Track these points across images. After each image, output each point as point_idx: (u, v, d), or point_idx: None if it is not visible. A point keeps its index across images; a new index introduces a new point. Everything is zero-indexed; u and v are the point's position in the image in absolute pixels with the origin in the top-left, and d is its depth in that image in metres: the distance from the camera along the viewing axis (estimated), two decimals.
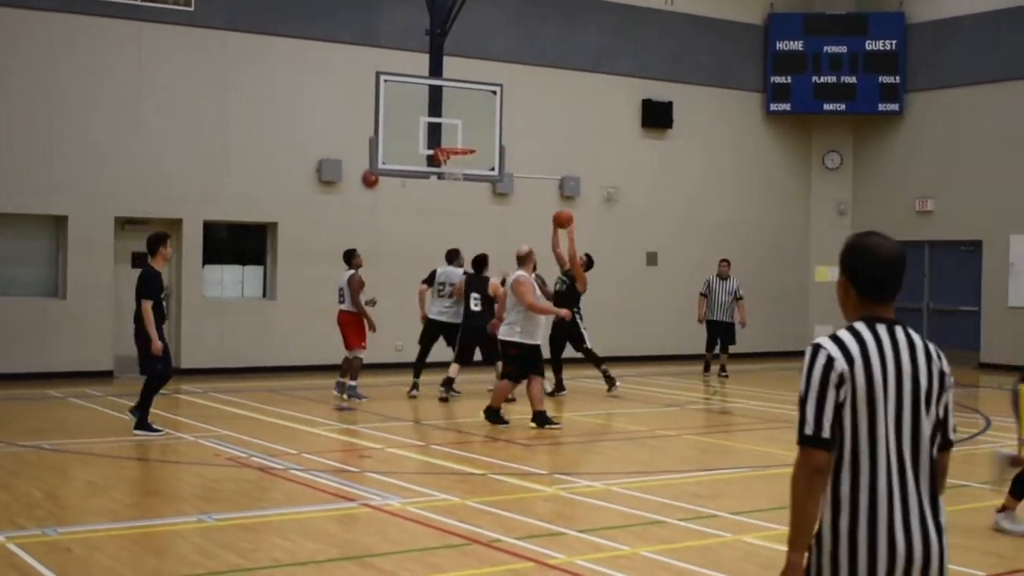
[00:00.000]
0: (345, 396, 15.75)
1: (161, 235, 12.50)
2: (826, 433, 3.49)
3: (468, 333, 15.81)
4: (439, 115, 16.06)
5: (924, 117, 23.79)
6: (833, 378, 3.49)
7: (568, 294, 16.04)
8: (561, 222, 15.81)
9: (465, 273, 16.10)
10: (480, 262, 15.99)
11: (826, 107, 24.26)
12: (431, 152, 15.89)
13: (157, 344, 12.19)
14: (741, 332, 20.19)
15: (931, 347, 3.62)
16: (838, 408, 3.50)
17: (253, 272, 20.03)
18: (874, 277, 3.60)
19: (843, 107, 24.20)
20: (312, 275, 19.53)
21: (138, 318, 12.38)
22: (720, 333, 19.97)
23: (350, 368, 15.84)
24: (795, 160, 25.18)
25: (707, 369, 20.12)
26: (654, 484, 10.24)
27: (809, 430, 3.49)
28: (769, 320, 23.84)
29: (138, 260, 18.81)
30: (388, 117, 15.58)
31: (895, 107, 24.00)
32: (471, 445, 12.62)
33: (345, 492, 9.62)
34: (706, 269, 21.15)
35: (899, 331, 3.59)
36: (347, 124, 19.50)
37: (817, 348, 3.55)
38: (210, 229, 19.39)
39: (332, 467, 10.80)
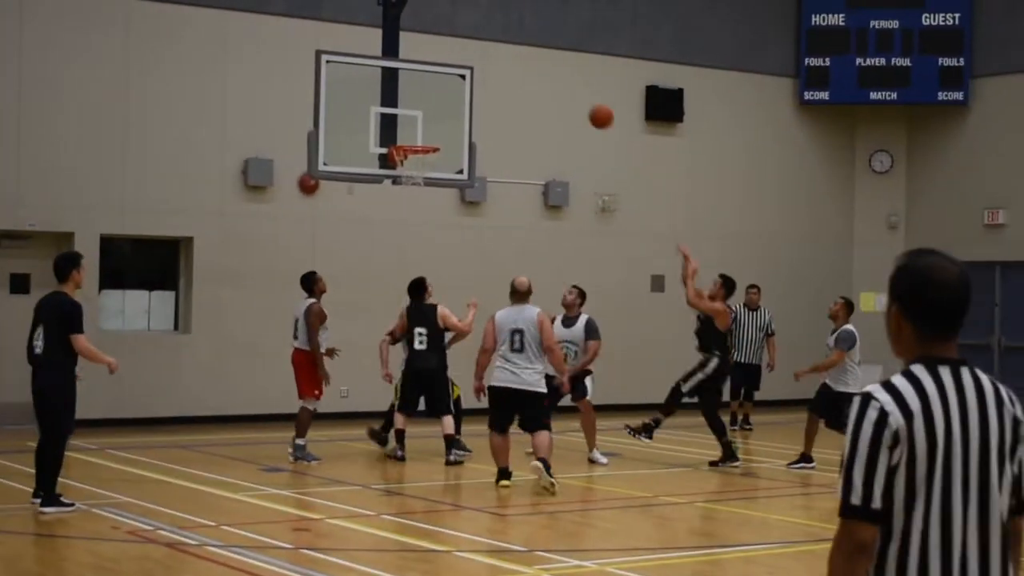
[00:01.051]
0: (291, 458, 15.57)
1: (72, 256, 12.65)
2: (876, 503, 3.47)
3: (412, 376, 15.82)
4: (394, 105, 16.06)
5: (995, 108, 23.93)
6: (887, 437, 3.47)
7: (706, 332, 16.01)
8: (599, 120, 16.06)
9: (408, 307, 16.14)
10: (418, 288, 15.98)
11: (873, 96, 24.39)
12: (384, 150, 15.89)
13: (112, 361, 12.29)
14: (767, 375, 20.19)
15: (1003, 391, 3.61)
16: (890, 473, 3.48)
17: (162, 299, 19.94)
18: (935, 308, 3.59)
19: (894, 96, 24.34)
20: (236, 302, 19.44)
21: (48, 360, 12.20)
22: (747, 377, 20.00)
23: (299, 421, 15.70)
24: (835, 162, 25.29)
25: (735, 422, 20.12)
26: (660, 564, 10.21)
27: (857, 499, 3.47)
28: (802, 361, 23.71)
29: (18, 283, 18.74)
30: (331, 107, 15.57)
31: (959, 96, 24.15)
32: (433, 515, 12.56)
33: (274, 574, 9.55)
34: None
35: (965, 374, 3.58)
36: (280, 116, 19.48)
37: (867, 400, 3.52)
38: (109, 245, 19.31)
39: (258, 543, 10.72)
